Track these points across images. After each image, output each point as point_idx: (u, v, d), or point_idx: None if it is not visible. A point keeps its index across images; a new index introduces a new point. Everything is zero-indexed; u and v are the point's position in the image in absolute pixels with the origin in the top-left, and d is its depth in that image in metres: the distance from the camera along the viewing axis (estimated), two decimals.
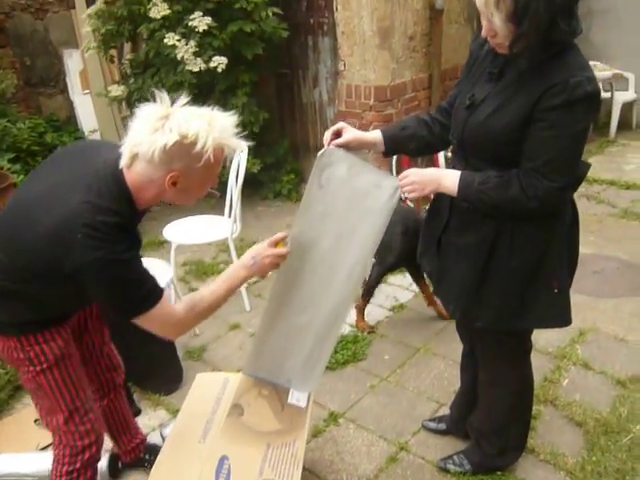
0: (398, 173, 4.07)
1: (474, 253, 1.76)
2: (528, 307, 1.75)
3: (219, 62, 3.83)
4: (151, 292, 1.53)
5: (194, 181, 1.51)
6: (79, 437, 1.74)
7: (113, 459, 2.31)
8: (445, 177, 1.72)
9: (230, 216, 3.39)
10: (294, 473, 1.83)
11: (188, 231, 3.42)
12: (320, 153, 1.82)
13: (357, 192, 1.84)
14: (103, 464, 2.28)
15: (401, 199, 1.82)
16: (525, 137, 1.58)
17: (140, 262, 1.53)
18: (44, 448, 2.49)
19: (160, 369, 2.83)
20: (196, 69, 3.83)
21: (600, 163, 5.21)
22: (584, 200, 4.51)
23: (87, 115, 4.86)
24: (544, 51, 1.51)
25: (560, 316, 1.79)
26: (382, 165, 3.97)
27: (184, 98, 1.47)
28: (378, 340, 3.04)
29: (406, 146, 1.93)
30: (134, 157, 1.45)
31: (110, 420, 2.16)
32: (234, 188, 3.28)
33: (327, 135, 1.82)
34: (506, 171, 1.62)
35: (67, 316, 1.71)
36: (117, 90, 4.27)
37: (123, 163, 1.47)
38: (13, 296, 1.56)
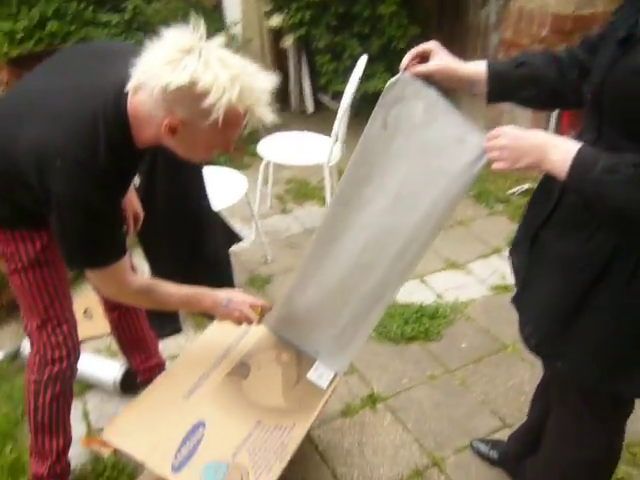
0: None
1: (576, 269, 1.19)
2: (635, 368, 1.19)
3: None
4: (110, 251, 1.38)
5: (197, 139, 1.26)
6: (50, 347, 1.60)
7: (128, 374, 2.16)
8: (555, 149, 1.12)
9: (336, 139, 2.96)
10: (274, 466, 1.49)
11: (286, 148, 3.08)
12: (391, 81, 1.32)
13: (431, 144, 1.34)
14: (117, 376, 2.15)
15: None
16: None
17: (114, 216, 1.37)
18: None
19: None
20: None
21: None
22: None
23: (234, 6, 4.58)
24: None
25: None
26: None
27: (221, 37, 1.21)
28: (462, 322, 2.53)
29: (520, 91, 1.32)
30: (139, 84, 1.22)
31: (121, 334, 2.02)
32: (344, 108, 2.83)
33: (406, 58, 1.31)
34: None
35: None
36: None
37: (129, 86, 1.25)
38: None
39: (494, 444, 1.88)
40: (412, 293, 2.65)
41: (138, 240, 2.48)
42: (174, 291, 1.58)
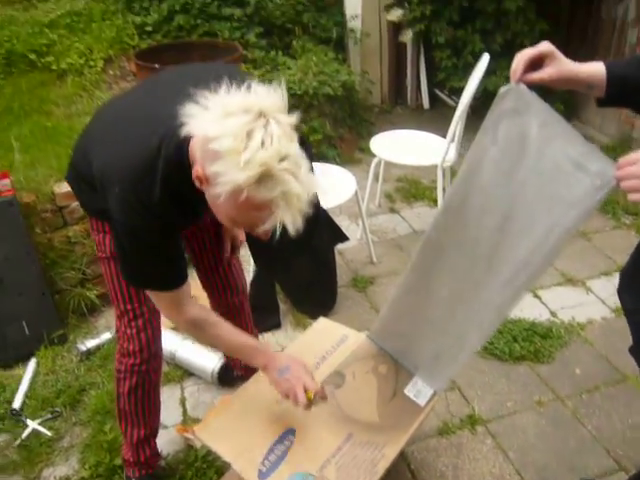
0: None
1: None
2: None
3: None
4: (161, 280, 1.37)
5: (217, 202, 1.11)
6: (126, 339, 1.62)
7: (226, 366, 2.19)
8: None
9: (452, 140, 2.82)
10: None
11: (398, 146, 2.99)
12: (503, 90, 1.19)
13: (545, 167, 1.20)
14: (215, 367, 2.19)
15: None
16: None
17: (168, 248, 1.34)
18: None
19: (313, 290, 2.58)
20: None
21: None
22: None
23: None
24: None
25: None
26: None
27: (297, 115, 1.09)
28: (577, 345, 2.33)
29: None
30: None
31: None
32: (463, 107, 2.69)
33: (519, 64, 1.14)
34: None
35: None
36: None
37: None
38: (87, 183, 1.42)
39: None
40: (523, 308, 2.48)
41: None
42: (227, 336, 1.50)
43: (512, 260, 1.33)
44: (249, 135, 1.02)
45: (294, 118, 1.09)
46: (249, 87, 1.08)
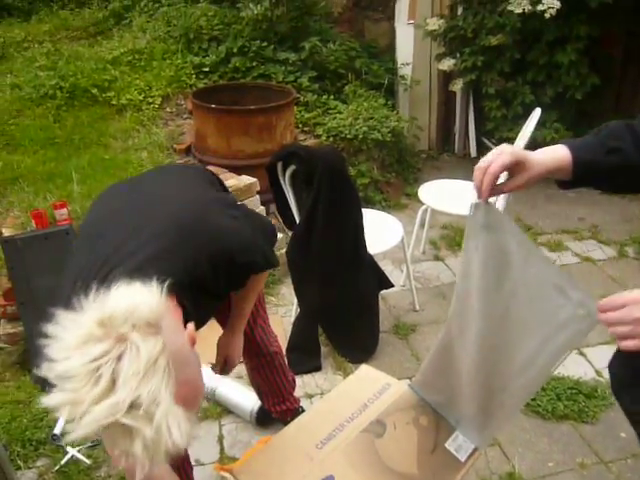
0: None
1: None
2: None
3: (549, 6, 3.14)
4: None
5: None
6: None
7: (263, 409, 2.19)
8: None
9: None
10: None
11: (446, 195, 3.01)
12: (473, 205, 1.17)
13: (531, 282, 1.18)
14: (254, 407, 2.20)
15: None
16: None
17: None
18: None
19: (355, 335, 2.59)
20: (519, 10, 3.21)
21: None
22: None
23: (405, 46, 4.62)
24: None
25: None
26: None
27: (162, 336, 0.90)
28: None
29: (610, 180, 1.17)
30: None
31: (257, 379, 2.06)
32: None
33: (485, 182, 1.10)
34: None
35: None
36: (434, 24, 3.90)
37: None
38: None
39: None
40: (568, 366, 2.43)
41: (290, 273, 2.54)
42: None
43: (513, 361, 1.31)
44: (92, 380, 0.84)
45: (160, 341, 0.89)
46: (126, 286, 0.95)
